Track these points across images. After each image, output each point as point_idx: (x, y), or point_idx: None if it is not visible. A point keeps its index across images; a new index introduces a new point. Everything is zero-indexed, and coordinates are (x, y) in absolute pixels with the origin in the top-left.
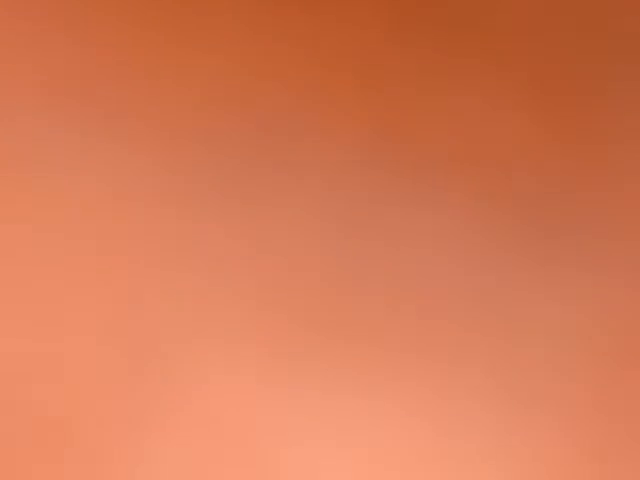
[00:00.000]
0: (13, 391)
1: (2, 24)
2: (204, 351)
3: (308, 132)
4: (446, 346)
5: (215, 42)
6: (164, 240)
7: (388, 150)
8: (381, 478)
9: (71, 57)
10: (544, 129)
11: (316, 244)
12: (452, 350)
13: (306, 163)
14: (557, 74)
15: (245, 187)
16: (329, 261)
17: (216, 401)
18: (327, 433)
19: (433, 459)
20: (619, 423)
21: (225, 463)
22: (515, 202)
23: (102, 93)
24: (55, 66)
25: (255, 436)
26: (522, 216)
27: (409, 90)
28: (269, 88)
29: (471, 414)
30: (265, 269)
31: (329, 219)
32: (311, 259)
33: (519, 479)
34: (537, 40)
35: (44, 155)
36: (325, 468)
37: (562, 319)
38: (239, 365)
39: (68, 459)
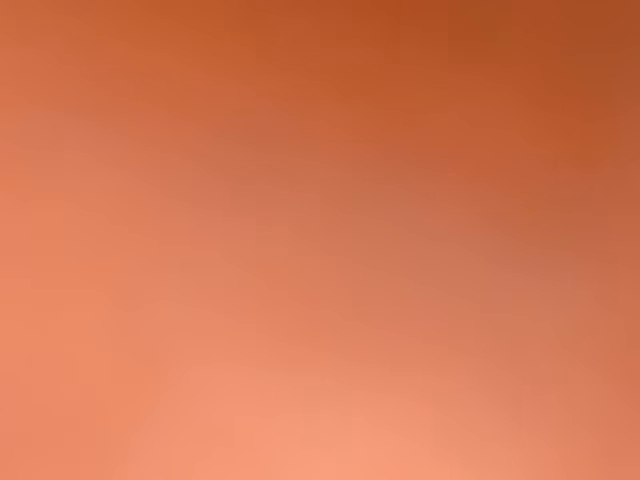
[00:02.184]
0: (22, 392)
1: (3, 25)
2: (208, 355)
3: (305, 142)
4: (446, 345)
5: (213, 54)
6: (168, 246)
7: (387, 161)
8: None
9: (73, 61)
10: (545, 130)
11: (316, 252)
12: (452, 350)
13: (303, 173)
14: (557, 78)
15: (244, 194)
16: (328, 268)
17: (219, 403)
18: (326, 437)
19: (432, 461)
20: (619, 422)
21: (226, 463)
22: (515, 202)
23: (105, 107)
24: (55, 68)
25: (256, 437)
26: (523, 216)
27: (409, 97)
28: (266, 99)
29: (470, 416)
30: (266, 275)
31: (326, 227)
32: (310, 268)
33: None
34: (537, 43)
35: (44, 155)
36: (324, 471)
37: (562, 318)
38: (242, 370)
39: (74, 459)
